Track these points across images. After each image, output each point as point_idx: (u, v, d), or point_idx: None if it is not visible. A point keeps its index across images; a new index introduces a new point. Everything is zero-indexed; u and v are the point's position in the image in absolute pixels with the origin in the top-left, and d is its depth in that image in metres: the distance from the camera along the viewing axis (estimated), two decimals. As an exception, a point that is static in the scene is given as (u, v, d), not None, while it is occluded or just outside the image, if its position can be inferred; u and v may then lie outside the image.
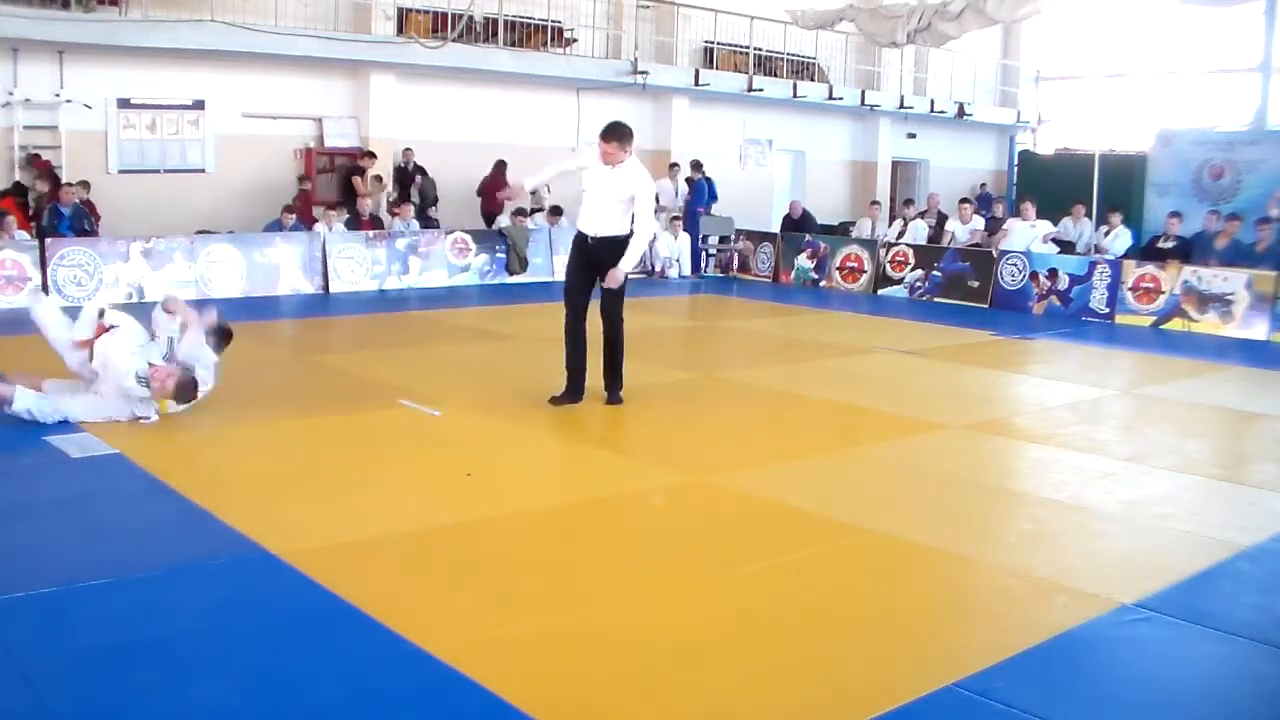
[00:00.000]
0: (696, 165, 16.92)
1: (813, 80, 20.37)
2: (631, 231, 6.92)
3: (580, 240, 7.07)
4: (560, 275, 15.06)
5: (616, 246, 6.91)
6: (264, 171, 14.71)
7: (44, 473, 5.31)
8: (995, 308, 13.38)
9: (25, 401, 6.11)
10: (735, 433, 6.67)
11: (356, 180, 14.74)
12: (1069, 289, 12.95)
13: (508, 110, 16.75)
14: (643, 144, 18.54)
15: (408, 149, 15.29)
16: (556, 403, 6.96)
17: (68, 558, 4.19)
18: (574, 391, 7.02)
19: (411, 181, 15.27)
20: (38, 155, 12.94)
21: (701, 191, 16.67)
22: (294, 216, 13.44)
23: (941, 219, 16.10)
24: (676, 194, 16.86)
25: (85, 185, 12.92)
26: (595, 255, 6.98)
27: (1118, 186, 15.92)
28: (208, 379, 6.37)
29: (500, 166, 14.99)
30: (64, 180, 12.73)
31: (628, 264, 6.88)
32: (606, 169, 6.92)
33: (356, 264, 13.31)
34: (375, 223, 14.07)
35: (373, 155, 14.91)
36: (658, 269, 15.76)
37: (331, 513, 4.87)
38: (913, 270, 14.48)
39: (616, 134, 6.87)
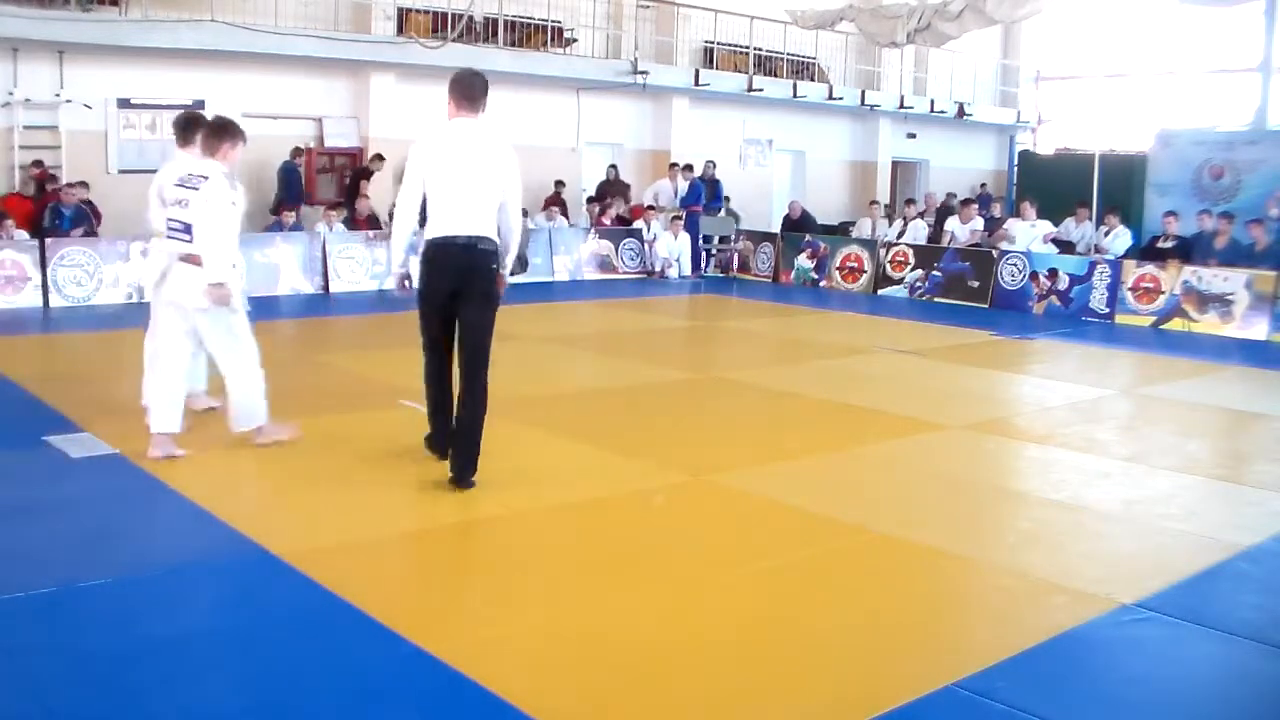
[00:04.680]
0: (689, 166, 16.93)
1: (813, 80, 20.36)
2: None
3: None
4: (561, 275, 15.25)
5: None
6: (264, 171, 14.70)
7: (44, 473, 5.30)
8: (995, 308, 13.38)
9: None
10: (736, 433, 6.67)
11: (364, 184, 14.74)
12: (1069, 289, 12.95)
13: (508, 110, 16.72)
14: (643, 144, 18.61)
15: None
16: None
17: (68, 558, 4.19)
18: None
19: None
20: (38, 163, 12.92)
21: (697, 192, 16.64)
22: (294, 216, 13.46)
23: (940, 218, 16.10)
24: (676, 194, 16.87)
25: (84, 185, 12.92)
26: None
27: (1118, 186, 15.91)
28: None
29: None
30: (63, 181, 12.71)
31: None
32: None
33: (356, 264, 13.32)
34: (373, 222, 14.07)
35: (381, 158, 14.90)
36: (658, 269, 15.77)
37: (331, 513, 4.87)
38: (913, 270, 14.48)
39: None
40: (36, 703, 3.09)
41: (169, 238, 5.60)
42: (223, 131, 5.65)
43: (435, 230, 5.17)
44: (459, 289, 5.16)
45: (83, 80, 13.31)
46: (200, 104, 14.21)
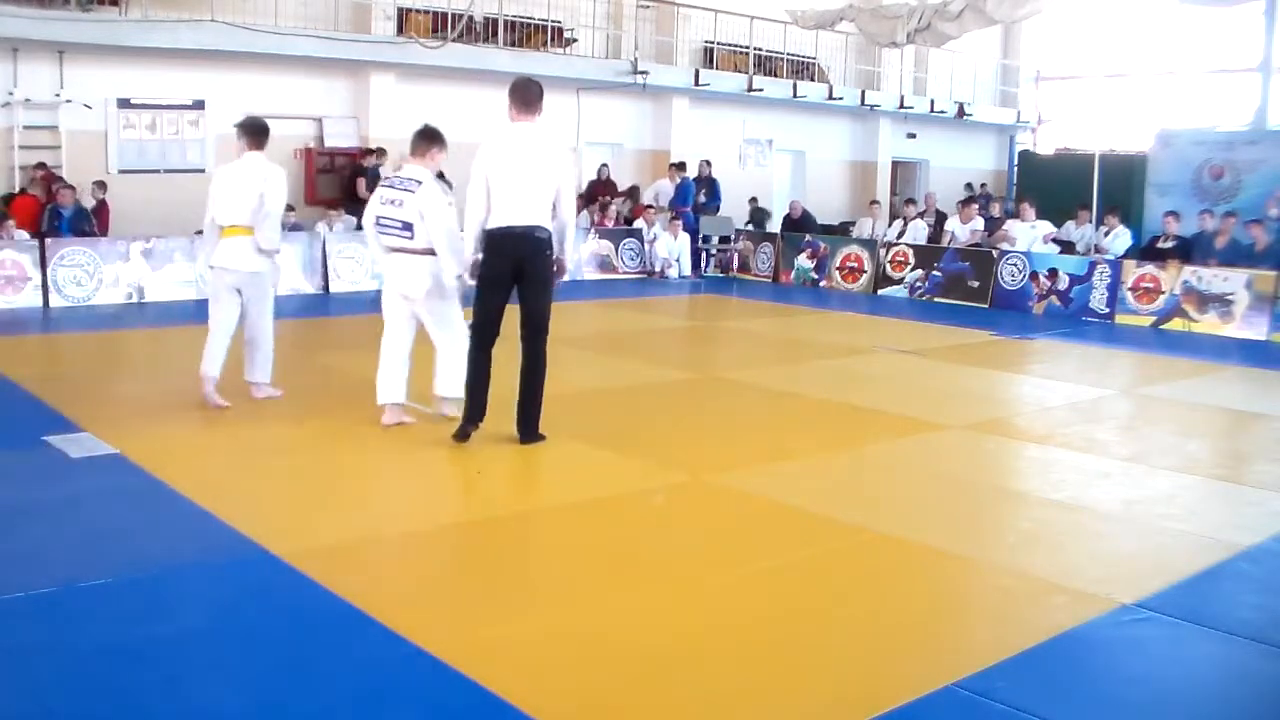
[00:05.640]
0: (681, 165, 16.93)
1: (813, 80, 20.36)
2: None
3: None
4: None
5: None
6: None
7: (44, 473, 5.31)
8: (995, 308, 13.38)
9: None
10: (736, 433, 6.67)
11: (361, 182, 14.73)
12: (1069, 289, 12.95)
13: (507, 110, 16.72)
14: (643, 144, 18.60)
15: None
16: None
17: (68, 558, 4.19)
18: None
19: None
20: (41, 165, 12.92)
21: (685, 192, 16.60)
22: (293, 215, 13.46)
23: (940, 219, 16.10)
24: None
25: (102, 185, 12.97)
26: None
27: (1118, 186, 15.91)
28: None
29: None
30: (66, 181, 12.72)
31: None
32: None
33: (356, 264, 13.32)
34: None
35: (378, 152, 14.90)
36: (658, 269, 15.76)
37: (331, 513, 4.87)
38: (913, 270, 14.48)
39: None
40: (36, 703, 3.09)
41: (382, 234, 6.27)
42: (431, 139, 6.33)
43: (497, 220, 5.80)
44: (520, 271, 5.83)
45: (83, 80, 13.31)
46: (200, 104, 14.25)
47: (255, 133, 6.85)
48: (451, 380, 6.33)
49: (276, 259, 6.96)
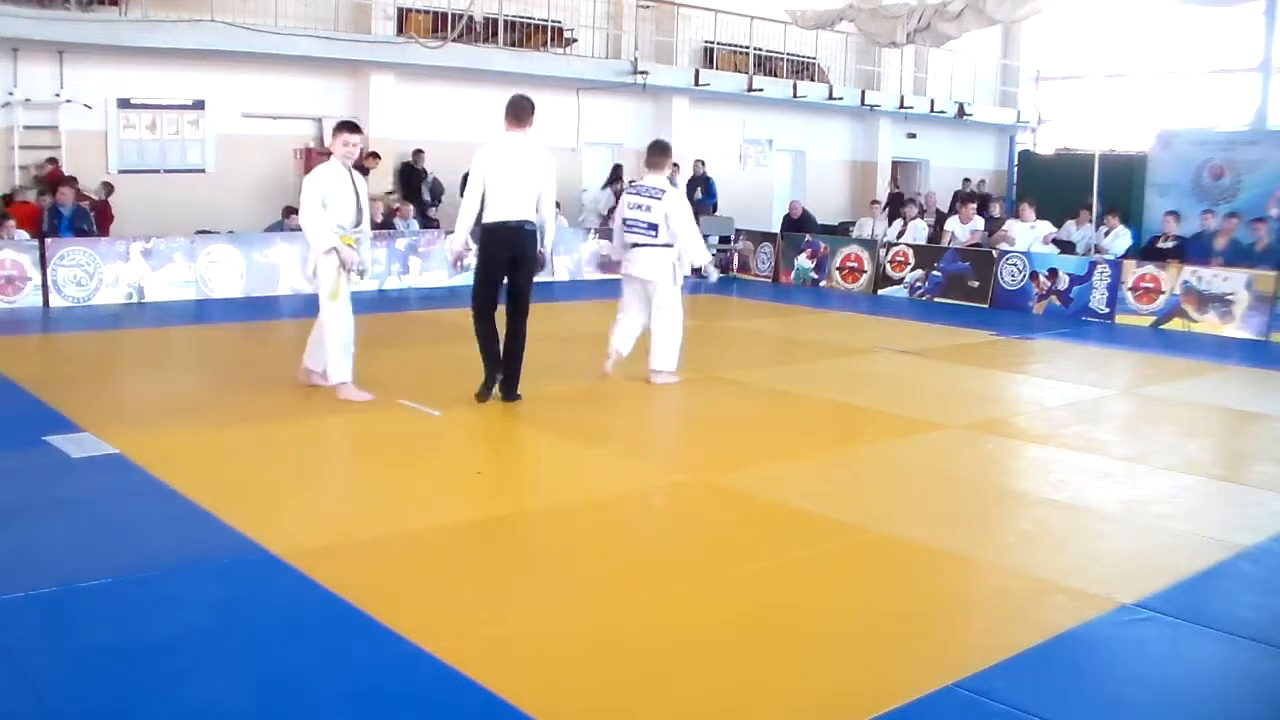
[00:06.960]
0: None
1: (813, 80, 20.37)
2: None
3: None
4: (560, 275, 15.22)
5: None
6: (264, 171, 14.71)
7: (44, 473, 5.31)
8: (995, 308, 13.38)
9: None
10: (735, 433, 6.67)
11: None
12: (1069, 289, 12.95)
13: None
14: (643, 144, 18.53)
15: (418, 150, 15.40)
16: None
17: (68, 558, 4.19)
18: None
19: (420, 181, 15.36)
20: (53, 160, 12.92)
21: None
22: (295, 216, 13.44)
23: (940, 219, 16.09)
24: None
25: (108, 186, 12.98)
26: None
27: (1118, 186, 15.90)
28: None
29: None
30: (68, 179, 12.72)
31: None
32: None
33: (356, 264, 13.29)
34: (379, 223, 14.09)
35: (376, 156, 14.91)
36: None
37: (331, 513, 4.87)
38: (913, 270, 14.48)
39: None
40: (36, 703, 3.10)
41: (630, 231, 7.62)
42: (666, 152, 7.87)
43: (493, 216, 6.75)
44: (516, 258, 6.80)
45: (83, 80, 13.32)
46: (200, 104, 14.25)
47: (348, 129, 7.13)
48: (664, 353, 7.67)
49: (324, 256, 7.36)
